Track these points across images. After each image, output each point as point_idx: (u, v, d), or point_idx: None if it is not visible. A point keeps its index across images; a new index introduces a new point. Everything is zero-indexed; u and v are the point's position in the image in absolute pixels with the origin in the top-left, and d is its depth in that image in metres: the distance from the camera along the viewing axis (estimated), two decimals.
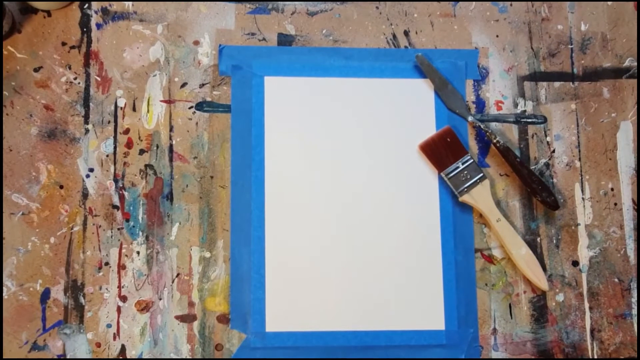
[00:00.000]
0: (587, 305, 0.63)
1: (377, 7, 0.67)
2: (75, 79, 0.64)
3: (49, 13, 0.65)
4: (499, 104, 0.66)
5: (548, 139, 0.66)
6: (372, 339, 0.61)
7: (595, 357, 0.62)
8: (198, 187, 0.63)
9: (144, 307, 0.61)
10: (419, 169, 0.64)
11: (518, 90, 0.67)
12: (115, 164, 0.63)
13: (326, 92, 0.65)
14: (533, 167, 0.65)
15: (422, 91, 0.66)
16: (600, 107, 0.67)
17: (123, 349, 0.60)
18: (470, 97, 0.66)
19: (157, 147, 0.63)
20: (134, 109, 0.64)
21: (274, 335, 0.61)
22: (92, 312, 0.61)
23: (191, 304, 0.61)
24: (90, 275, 0.61)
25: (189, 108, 0.64)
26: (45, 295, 0.60)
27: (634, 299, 0.63)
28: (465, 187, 0.63)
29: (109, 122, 0.64)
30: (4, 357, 0.59)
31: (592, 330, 0.63)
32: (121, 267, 0.61)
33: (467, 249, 0.63)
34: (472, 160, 0.63)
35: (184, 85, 0.65)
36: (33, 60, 0.64)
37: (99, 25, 0.65)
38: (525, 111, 0.66)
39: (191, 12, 0.66)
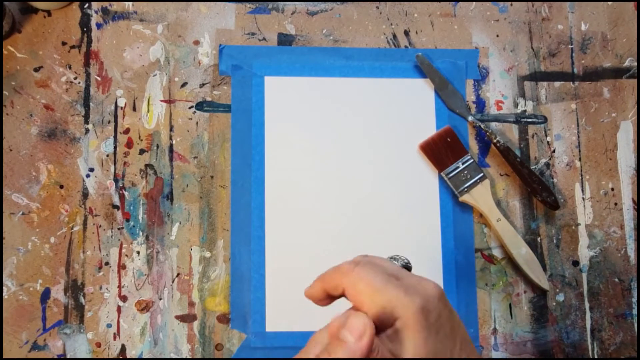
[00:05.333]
0: (587, 305, 0.63)
1: (377, 7, 0.67)
2: (75, 78, 0.64)
3: (49, 13, 0.65)
4: (499, 104, 0.66)
5: (548, 138, 0.66)
6: None
7: (596, 357, 0.62)
8: (198, 187, 0.63)
9: (144, 307, 0.61)
10: (419, 169, 0.64)
11: (518, 90, 0.67)
12: (115, 163, 0.63)
13: (326, 92, 0.65)
14: (533, 167, 0.65)
15: (422, 91, 0.66)
16: (601, 107, 0.67)
17: (123, 348, 0.60)
18: (470, 97, 0.66)
19: (157, 147, 0.63)
20: (134, 109, 0.64)
21: (274, 335, 0.61)
22: (92, 312, 0.61)
23: (191, 304, 0.61)
24: (91, 275, 0.61)
25: (189, 108, 0.64)
26: (45, 295, 0.60)
27: (634, 299, 0.63)
28: (466, 187, 0.63)
29: (109, 122, 0.64)
30: (4, 357, 0.59)
31: (592, 330, 0.63)
32: (121, 267, 0.61)
33: (467, 248, 0.63)
34: (472, 160, 0.63)
35: (184, 85, 0.65)
36: (33, 60, 0.64)
37: (99, 25, 0.65)
38: (525, 111, 0.66)
39: (191, 12, 0.66)
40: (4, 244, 0.61)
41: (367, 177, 0.64)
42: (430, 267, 0.62)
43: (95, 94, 0.64)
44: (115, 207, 0.62)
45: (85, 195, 0.62)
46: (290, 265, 0.62)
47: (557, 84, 0.67)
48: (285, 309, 0.61)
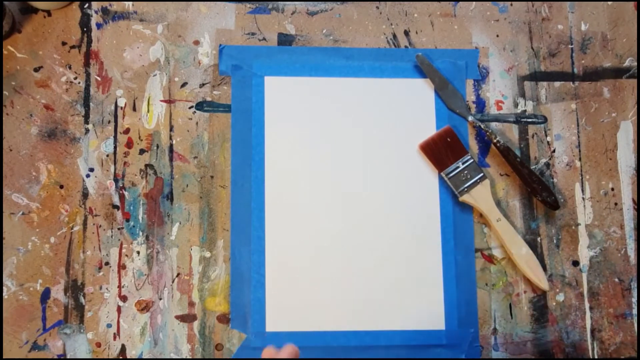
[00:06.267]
0: (587, 305, 0.63)
1: (377, 7, 0.67)
2: (75, 78, 0.64)
3: (49, 13, 0.65)
4: (499, 104, 0.66)
5: (548, 138, 0.66)
6: (372, 339, 0.61)
7: (596, 357, 0.62)
8: (198, 187, 0.63)
9: (144, 307, 0.61)
10: (419, 169, 0.64)
11: (518, 90, 0.67)
12: (115, 163, 0.63)
13: (326, 92, 0.65)
14: (533, 167, 0.65)
15: (422, 91, 0.66)
16: (601, 107, 0.67)
17: (123, 348, 0.60)
18: (470, 97, 0.66)
19: (157, 146, 0.63)
20: (134, 109, 0.64)
21: (274, 335, 0.61)
22: (92, 312, 0.61)
23: (191, 304, 0.61)
24: (91, 275, 0.61)
25: (189, 108, 0.64)
26: (46, 295, 0.60)
27: (634, 299, 0.63)
28: (466, 187, 0.63)
29: (109, 121, 0.64)
30: (4, 357, 0.59)
31: (592, 330, 0.63)
32: (121, 267, 0.61)
33: (467, 248, 0.63)
34: (472, 160, 0.63)
35: (184, 85, 0.65)
36: (33, 60, 0.64)
37: (99, 25, 0.65)
38: (525, 111, 0.66)
39: (191, 12, 0.66)
40: (4, 244, 0.61)
41: (367, 177, 0.64)
42: (430, 267, 0.62)
43: (95, 94, 0.64)
44: (115, 207, 0.62)
45: (85, 195, 0.62)
46: (290, 265, 0.62)
47: (557, 84, 0.67)
48: (285, 309, 0.61)
